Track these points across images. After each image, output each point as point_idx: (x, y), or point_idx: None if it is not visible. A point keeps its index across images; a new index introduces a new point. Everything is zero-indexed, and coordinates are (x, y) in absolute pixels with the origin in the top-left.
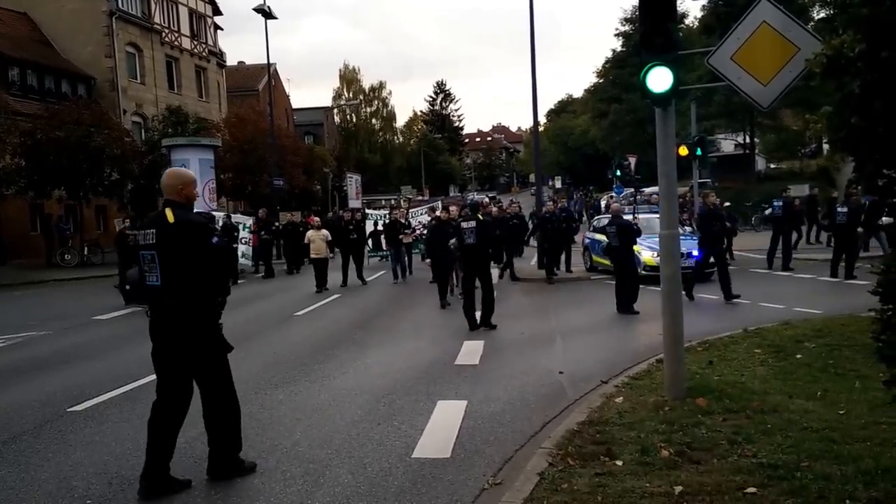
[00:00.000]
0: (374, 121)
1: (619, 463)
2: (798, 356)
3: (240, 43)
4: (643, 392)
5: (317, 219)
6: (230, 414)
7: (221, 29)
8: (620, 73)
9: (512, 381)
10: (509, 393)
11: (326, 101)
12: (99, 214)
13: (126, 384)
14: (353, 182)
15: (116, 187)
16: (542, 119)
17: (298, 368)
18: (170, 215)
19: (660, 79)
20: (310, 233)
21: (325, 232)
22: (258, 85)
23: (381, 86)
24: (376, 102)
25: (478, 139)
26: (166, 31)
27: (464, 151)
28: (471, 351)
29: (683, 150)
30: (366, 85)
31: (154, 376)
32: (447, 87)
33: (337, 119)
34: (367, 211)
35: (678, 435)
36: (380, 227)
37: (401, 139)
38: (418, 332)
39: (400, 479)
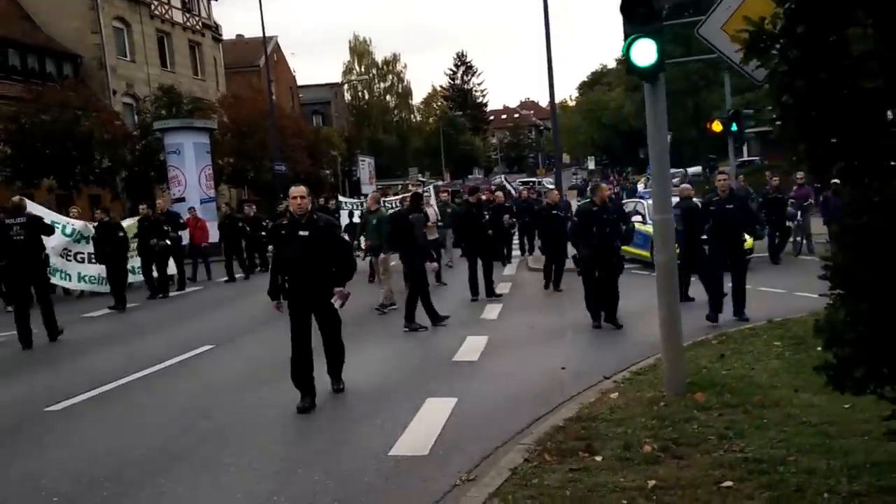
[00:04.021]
0: (388, 98)
1: (599, 458)
2: (819, 349)
3: (237, 14)
4: (642, 387)
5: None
6: None
7: None
8: None
9: (509, 377)
10: (503, 390)
11: (335, 76)
12: (93, 204)
13: (104, 385)
14: (365, 166)
15: (108, 175)
16: (574, 93)
17: (287, 367)
18: None
19: (644, 52)
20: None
21: None
22: (259, 60)
23: (396, 58)
24: (390, 77)
25: (504, 116)
26: (155, 3)
27: (488, 130)
28: (472, 347)
29: (717, 126)
30: (378, 58)
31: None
32: (468, 59)
33: (347, 96)
34: (341, 199)
35: (666, 430)
36: (355, 220)
37: (418, 117)
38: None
39: (372, 476)
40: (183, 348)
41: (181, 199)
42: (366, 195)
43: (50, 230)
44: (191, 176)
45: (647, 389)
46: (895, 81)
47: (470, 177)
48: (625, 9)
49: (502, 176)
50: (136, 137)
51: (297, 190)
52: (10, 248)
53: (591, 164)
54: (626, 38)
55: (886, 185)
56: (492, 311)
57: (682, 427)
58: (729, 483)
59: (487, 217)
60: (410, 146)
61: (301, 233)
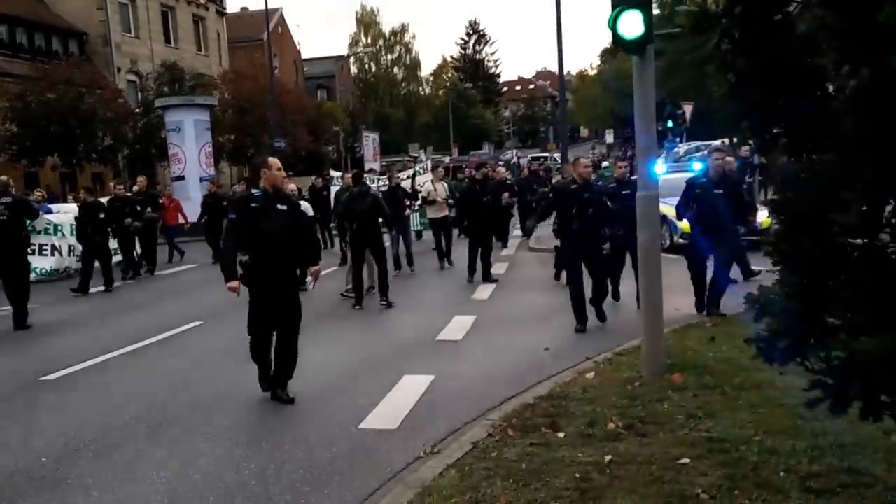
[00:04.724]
0: (395, 70)
1: (561, 435)
2: None
3: None
4: (621, 368)
5: (293, 186)
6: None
7: None
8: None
9: (489, 357)
10: (481, 369)
11: (342, 49)
12: (95, 182)
13: (97, 357)
14: (369, 141)
15: (110, 153)
16: (596, 60)
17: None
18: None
19: (631, 23)
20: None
21: (305, 205)
22: (263, 34)
23: (404, 29)
24: (398, 48)
25: (518, 87)
26: None
27: (501, 102)
28: (458, 326)
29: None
30: (386, 29)
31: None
32: (481, 28)
33: (354, 70)
34: (333, 173)
35: (635, 409)
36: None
37: (427, 90)
38: (408, 307)
39: (338, 449)
40: (172, 324)
41: (181, 178)
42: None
43: (35, 214)
44: (191, 153)
45: (625, 370)
46: (848, 53)
47: (472, 152)
48: None
49: (513, 151)
50: (139, 115)
51: (277, 162)
52: None
53: (610, 138)
54: (612, 9)
55: (813, 161)
56: (484, 291)
57: (653, 407)
58: (686, 460)
59: (488, 197)
60: (418, 120)
61: (280, 206)
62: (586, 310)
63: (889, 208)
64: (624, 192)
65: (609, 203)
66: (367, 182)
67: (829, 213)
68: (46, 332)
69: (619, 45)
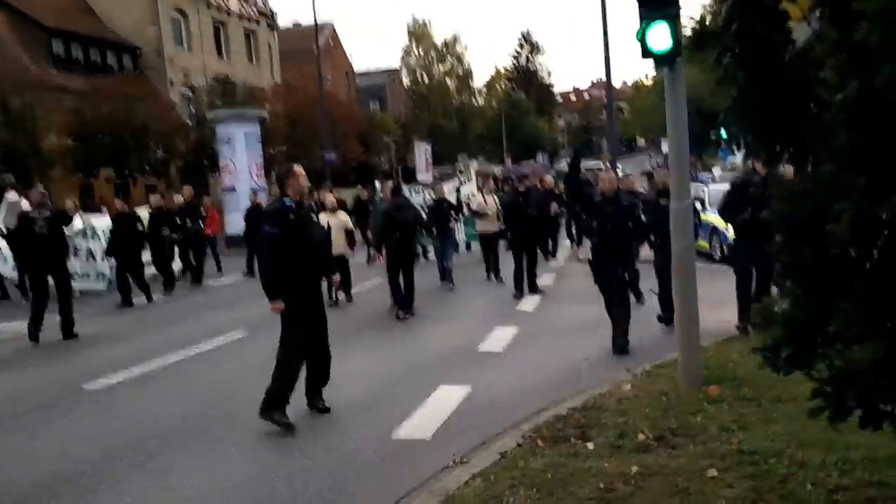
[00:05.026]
0: (447, 81)
1: (590, 446)
2: None
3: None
4: (658, 380)
5: (331, 196)
6: (282, 367)
7: None
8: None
9: (528, 368)
10: (519, 380)
11: (394, 61)
12: (149, 194)
13: (140, 366)
14: (421, 152)
15: (162, 165)
16: (652, 70)
17: None
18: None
19: (659, 37)
20: (322, 217)
21: (344, 216)
22: (316, 46)
23: (456, 40)
24: (450, 59)
25: (573, 97)
26: None
27: (555, 112)
28: (499, 338)
29: None
30: (438, 40)
31: (165, 359)
32: (534, 38)
33: (406, 81)
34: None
35: (668, 421)
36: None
37: (480, 101)
38: (451, 318)
39: (368, 457)
40: (214, 335)
41: (232, 189)
42: (420, 183)
43: (69, 220)
44: (241, 165)
45: (662, 383)
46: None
47: (523, 162)
48: None
49: (566, 161)
50: (191, 127)
51: (302, 170)
52: (32, 242)
53: (665, 147)
54: (640, 22)
55: (813, 172)
56: (529, 302)
57: (686, 419)
58: (713, 472)
59: (532, 209)
60: (471, 131)
61: (311, 214)
62: (627, 317)
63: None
64: (663, 202)
65: (641, 217)
66: (413, 193)
67: (825, 225)
68: (92, 343)
69: (647, 57)
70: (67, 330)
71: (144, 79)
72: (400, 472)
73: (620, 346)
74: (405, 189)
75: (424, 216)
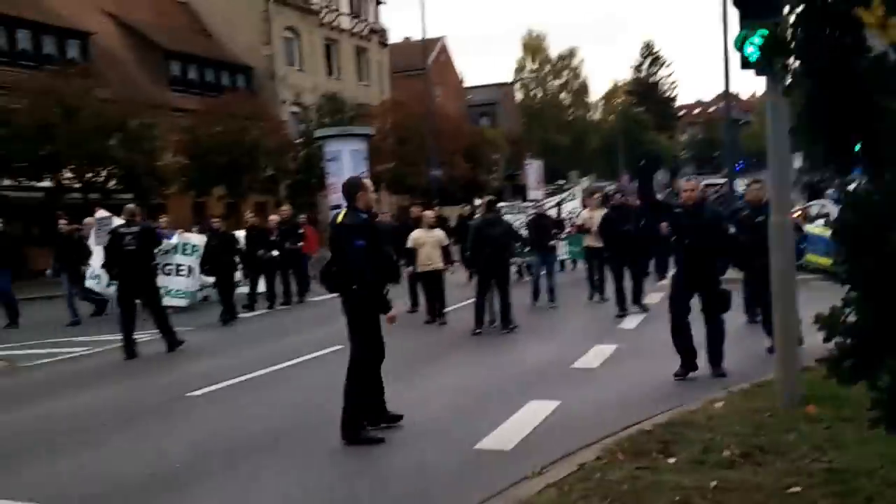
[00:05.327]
0: (562, 95)
1: (671, 460)
2: None
3: (407, 14)
4: (755, 399)
5: (429, 213)
6: (360, 383)
7: (383, 2)
8: None
9: (621, 385)
10: (610, 396)
11: (507, 75)
12: (259, 211)
13: (241, 375)
14: (532, 168)
15: (272, 182)
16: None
17: (408, 369)
18: (340, 216)
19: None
20: (416, 233)
21: (440, 233)
22: (426, 62)
23: (572, 53)
24: (566, 73)
25: (696, 111)
26: (324, 10)
27: (677, 127)
28: (596, 355)
29: None
30: (553, 53)
31: (265, 370)
32: (656, 49)
33: (519, 96)
34: (476, 202)
35: (757, 439)
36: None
37: (597, 115)
38: (550, 335)
39: (449, 466)
40: (312, 348)
41: (338, 207)
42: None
43: (159, 242)
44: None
45: (759, 401)
46: None
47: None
48: (739, 1)
49: (687, 177)
50: (300, 145)
51: (371, 184)
52: (121, 258)
53: (798, 161)
54: (740, 30)
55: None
56: (632, 320)
57: (777, 437)
58: (797, 489)
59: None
60: (588, 146)
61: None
62: (689, 352)
63: None
64: (758, 219)
65: (729, 231)
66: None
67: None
68: (195, 354)
69: (747, 68)
70: (171, 341)
71: (257, 97)
72: (477, 481)
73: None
74: (504, 206)
75: (524, 233)
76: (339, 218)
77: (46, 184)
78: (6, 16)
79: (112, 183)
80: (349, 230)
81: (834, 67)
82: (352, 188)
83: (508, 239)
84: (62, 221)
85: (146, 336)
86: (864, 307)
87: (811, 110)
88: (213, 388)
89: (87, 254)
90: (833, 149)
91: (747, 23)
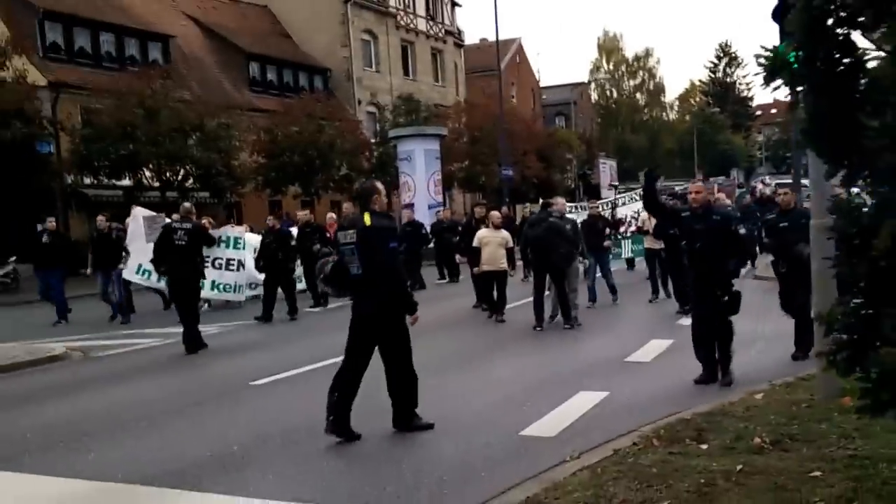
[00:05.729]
0: (637, 95)
1: (704, 447)
2: None
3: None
4: (796, 391)
5: (496, 212)
6: (410, 378)
7: (459, 5)
8: None
9: (671, 378)
10: (658, 389)
11: (582, 75)
12: (334, 209)
13: (301, 367)
14: (605, 168)
15: (346, 181)
16: None
17: (466, 361)
18: (367, 219)
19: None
20: (481, 232)
21: (505, 233)
22: (502, 62)
23: (648, 53)
24: (641, 74)
25: (773, 111)
26: (401, 13)
27: (753, 127)
28: (651, 349)
29: None
30: (629, 54)
31: (324, 362)
32: (733, 50)
33: (594, 96)
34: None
35: (790, 428)
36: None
37: (673, 115)
38: (608, 330)
39: (492, 450)
40: None
41: (410, 205)
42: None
43: (211, 241)
44: (420, 182)
45: (799, 393)
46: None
47: (711, 179)
48: (777, 15)
49: (762, 178)
50: (375, 145)
51: (383, 187)
52: (171, 252)
53: None
54: (780, 41)
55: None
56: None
57: (809, 426)
58: (817, 473)
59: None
60: (662, 147)
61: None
62: (711, 362)
63: None
64: (782, 224)
65: (740, 232)
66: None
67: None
68: (258, 346)
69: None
70: (195, 343)
71: (334, 98)
72: (518, 465)
73: (726, 382)
74: (555, 206)
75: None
76: (367, 220)
77: (126, 182)
78: (90, 19)
79: (189, 181)
80: (380, 232)
81: (830, 86)
82: (366, 192)
83: (553, 237)
84: (100, 218)
85: (213, 329)
86: (855, 306)
87: (811, 125)
88: (275, 377)
89: (124, 252)
90: (834, 161)
91: (788, 35)
